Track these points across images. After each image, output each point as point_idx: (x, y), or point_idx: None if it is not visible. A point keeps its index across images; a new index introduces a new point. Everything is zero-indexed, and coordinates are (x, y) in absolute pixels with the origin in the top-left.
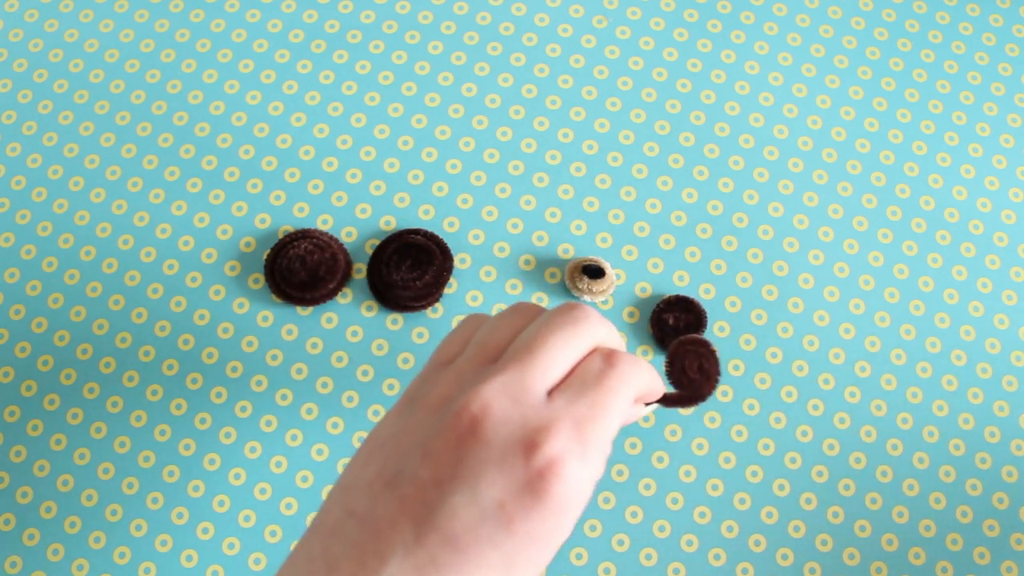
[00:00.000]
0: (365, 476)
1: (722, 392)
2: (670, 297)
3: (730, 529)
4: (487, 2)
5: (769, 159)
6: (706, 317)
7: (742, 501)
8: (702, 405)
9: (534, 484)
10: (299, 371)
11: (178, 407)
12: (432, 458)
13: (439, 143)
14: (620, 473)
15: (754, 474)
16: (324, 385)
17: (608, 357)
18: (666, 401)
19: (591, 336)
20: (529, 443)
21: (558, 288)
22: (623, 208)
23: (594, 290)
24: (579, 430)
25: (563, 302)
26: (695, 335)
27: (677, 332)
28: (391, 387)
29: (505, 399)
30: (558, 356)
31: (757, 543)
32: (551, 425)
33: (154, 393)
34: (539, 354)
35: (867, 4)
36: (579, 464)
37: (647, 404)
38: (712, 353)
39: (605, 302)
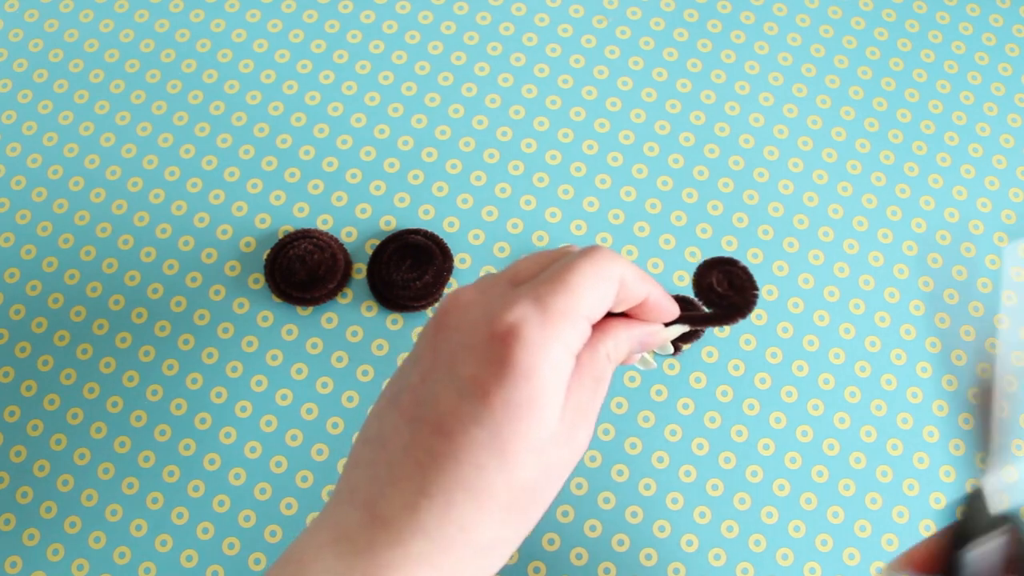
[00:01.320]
0: (377, 407)
1: (722, 392)
2: None
3: (730, 529)
4: (487, 2)
5: (769, 159)
6: None
7: (742, 501)
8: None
9: (496, 351)
10: (299, 371)
11: (178, 407)
12: (419, 362)
13: (439, 143)
14: (620, 473)
15: (754, 474)
16: (324, 385)
17: (585, 249)
18: (697, 320)
19: (614, 271)
20: (491, 318)
21: None
22: (623, 208)
23: None
24: (539, 301)
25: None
26: (720, 256)
27: None
28: None
29: (473, 291)
30: (584, 290)
31: (757, 543)
32: (512, 301)
33: (154, 393)
34: (567, 282)
35: (867, 4)
36: (539, 328)
37: (669, 325)
38: (742, 268)
39: None
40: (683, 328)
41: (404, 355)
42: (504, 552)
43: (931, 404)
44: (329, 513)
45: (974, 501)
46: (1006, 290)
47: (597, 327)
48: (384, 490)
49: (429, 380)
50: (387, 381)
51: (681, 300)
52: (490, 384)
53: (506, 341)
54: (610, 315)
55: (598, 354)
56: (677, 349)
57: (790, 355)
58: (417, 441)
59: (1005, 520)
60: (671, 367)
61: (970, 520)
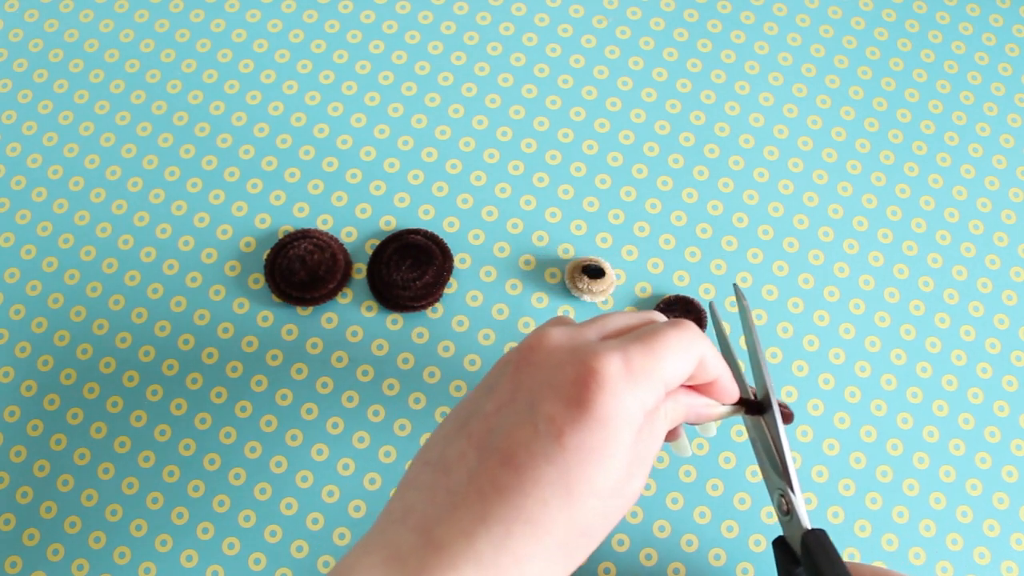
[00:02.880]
0: (442, 431)
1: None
2: (670, 297)
3: (730, 529)
4: (487, 2)
5: (769, 159)
6: (706, 317)
7: (742, 501)
8: None
9: (579, 394)
10: (299, 371)
11: (178, 407)
12: (496, 392)
13: (439, 143)
14: None
15: (754, 474)
16: (324, 385)
17: (674, 321)
18: (751, 408)
19: (698, 348)
20: (578, 362)
21: (558, 288)
22: (623, 208)
23: (594, 290)
24: (627, 358)
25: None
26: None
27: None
28: (391, 387)
29: (562, 333)
30: (669, 357)
31: (757, 543)
32: (601, 350)
33: (154, 393)
34: (655, 347)
35: (867, 4)
36: (623, 382)
37: (724, 405)
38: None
39: (605, 302)
40: (736, 411)
41: (405, 355)
42: None
43: (931, 404)
44: (381, 532)
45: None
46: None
47: None
48: (442, 515)
49: (505, 411)
50: (453, 408)
51: (683, 300)
52: (567, 425)
53: (589, 386)
54: None
55: (659, 411)
56: None
57: (790, 355)
58: (484, 470)
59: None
60: None
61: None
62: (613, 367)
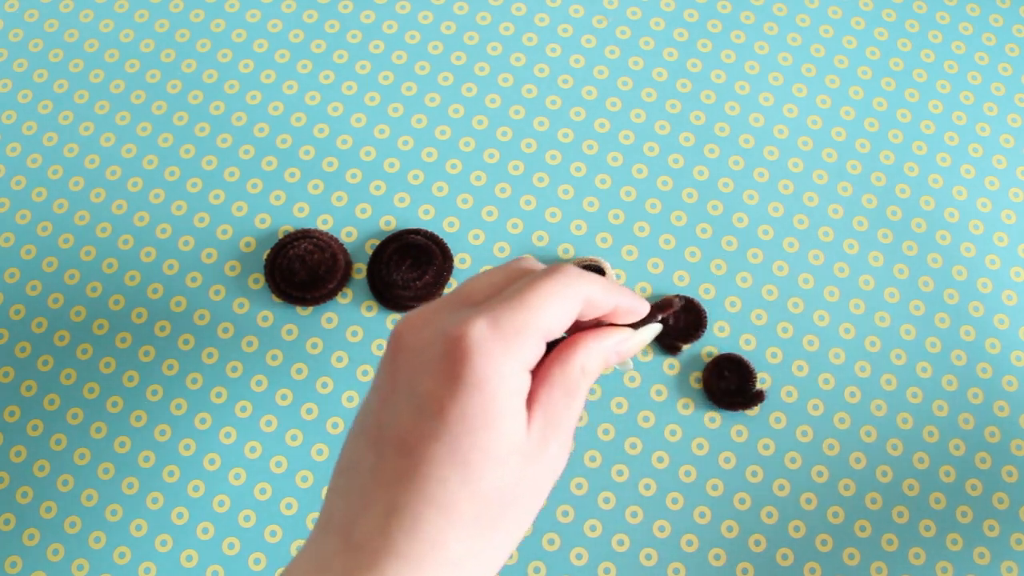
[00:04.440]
0: (348, 437)
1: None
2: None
3: (730, 529)
4: (487, 2)
5: (769, 159)
6: (706, 317)
7: (742, 501)
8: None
9: (450, 367)
10: (299, 371)
11: (178, 407)
12: (378, 387)
13: (439, 143)
14: (620, 473)
15: (754, 474)
16: (324, 385)
17: (549, 267)
18: (655, 309)
19: (578, 289)
20: (444, 335)
21: None
22: (623, 208)
23: None
24: (493, 317)
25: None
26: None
27: (677, 332)
28: None
29: (425, 312)
30: (542, 308)
31: (757, 543)
32: (465, 318)
33: (154, 393)
34: (525, 300)
35: (867, 4)
36: (490, 343)
37: (639, 326)
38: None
39: None
40: (656, 330)
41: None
42: (482, 566)
43: (931, 404)
44: (310, 543)
45: None
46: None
47: (567, 342)
48: (357, 516)
49: (389, 402)
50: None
51: (684, 300)
52: (445, 398)
53: (457, 356)
54: (580, 326)
55: (570, 368)
56: (677, 349)
57: (790, 355)
58: (383, 463)
59: None
60: (671, 367)
61: None
62: (478, 331)
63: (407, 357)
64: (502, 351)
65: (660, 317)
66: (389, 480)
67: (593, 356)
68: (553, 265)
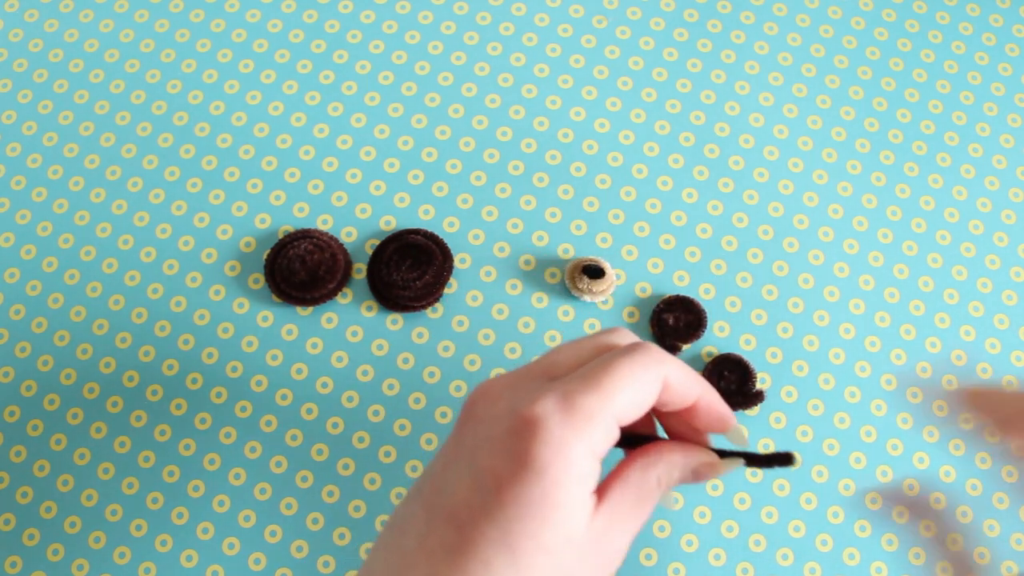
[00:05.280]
0: (407, 494)
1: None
2: (670, 297)
3: (730, 529)
4: (487, 2)
5: (769, 159)
6: (706, 317)
7: (742, 501)
8: None
9: (515, 445)
10: (299, 371)
11: (178, 407)
12: (443, 451)
13: (439, 143)
14: None
15: (754, 473)
16: (324, 385)
17: (628, 347)
18: (756, 461)
19: (657, 370)
20: (515, 411)
21: (558, 288)
22: (623, 208)
23: (594, 290)
24: (566, 398)
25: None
26: None
27: (677, 332)
28: (391, 387)
29: (504, 382)
30: (618, 392)
31: (757, 543)
32: (539, 395)
33: (154, 393)
34: (600, 381)
35: (867, 4)
36: (562, 427)
37: (726, 457)
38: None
39: (605, 302)
40: (737, 464)
41: (405, 355)
42: None
43: (931, 404)
44: None
45: None
46: None
47: (654, 448)
48: None
49: (449, 469)
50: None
51: (682, 300)
52: (504, 478)
53: (524, 436)
54: (672, 436)
55: (648, 476)
56: (677, 349)
57: (790, 355)
58: (432, 530)
59: None
60: None
61: None
62: (548, 412)
63: (475, 427)
64: (572, 436)
65: (747, 459)
66: (434, 549)
67: (675, 468)
68: (635, 344)
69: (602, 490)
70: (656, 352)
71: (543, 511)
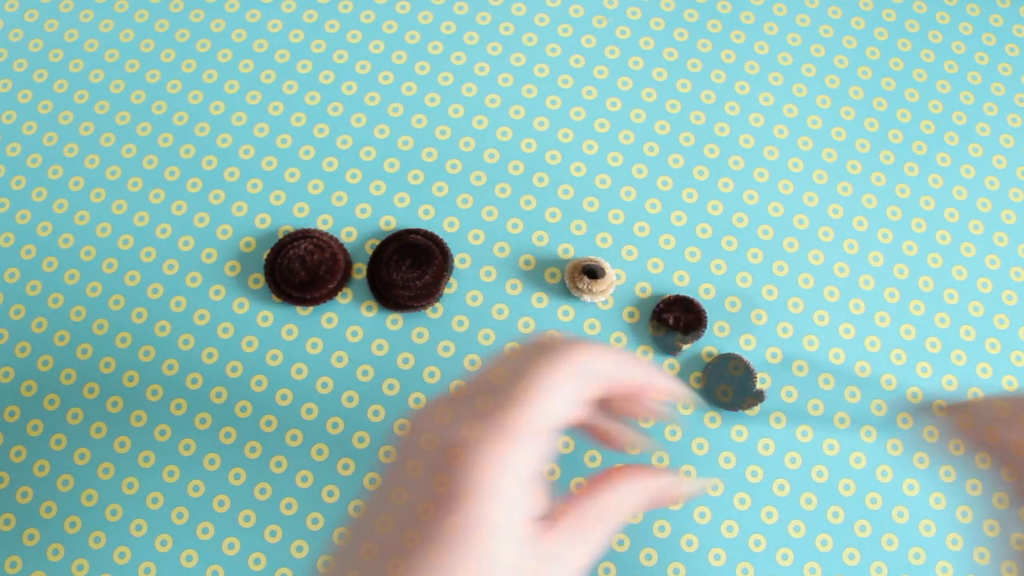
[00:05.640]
0: (355, 511)
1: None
2: (670, 297)
3: (730, 529)
4: (487, 2)
5: (769, 159)
6: (706, 317)
7: (742, 501)
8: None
9: (444, 473)
10: (299, 371)
11: (178, 407)
12: (384, 480)
13: (439, 143)
14: None
15: (754, 474)
16: (324, 385)
17: (540, 350)
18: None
19: (574, 366)
20: (443, 438)
21: (558, 288)
22: (623, 208)
23: (594, 290)
24: (487, 418)
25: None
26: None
27: (677, 332)
28: (391, 387)
29: (431, 411)
30: (539, 401)
31: (757, 543)
32: (454, 424)
33: (154, 393)
34: (512, 395)
35: (867, 4)
36: (484, 448)
37: (690, 482)
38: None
39: (605, 302)
40: (704, 485)
41: (405, 355)
42: None
43: (931, 404)
44: None
45: None
46: None
47: (604, 477)
48: None
49: (393, 499)
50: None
51: (682, 300)
52: (434, 509)
53: (451, 463)
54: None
55: (589, 508)
56: (677, 349)
57: (790, 355)
58: (377, 564)
59: None
60: (671, 367)
61: None
62: (472, 435)
63: (415, 453)
64: (499, 457)
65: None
66: (370, 571)
67: (625, 496)
68: (545, 339)
69: (557, 513)
70: (575, 348)
71: (475, 536)
